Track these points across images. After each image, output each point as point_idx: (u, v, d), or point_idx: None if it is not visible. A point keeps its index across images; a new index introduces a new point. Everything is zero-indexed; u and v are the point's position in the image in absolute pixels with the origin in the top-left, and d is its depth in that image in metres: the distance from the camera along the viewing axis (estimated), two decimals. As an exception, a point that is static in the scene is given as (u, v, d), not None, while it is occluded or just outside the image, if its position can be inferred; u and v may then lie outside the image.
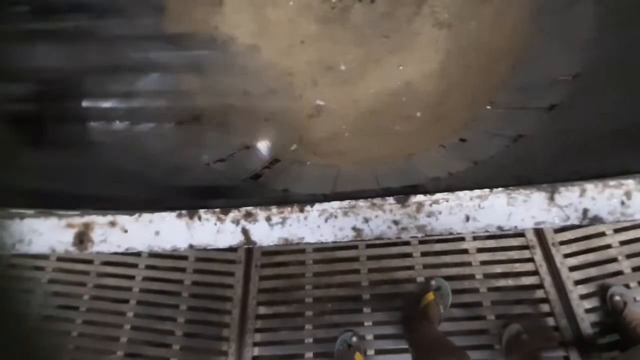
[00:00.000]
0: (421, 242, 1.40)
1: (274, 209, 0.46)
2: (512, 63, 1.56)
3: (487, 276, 1.33)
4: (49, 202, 0.54)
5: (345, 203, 0.45)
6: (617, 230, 1.33)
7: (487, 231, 0.43)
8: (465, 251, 1.37)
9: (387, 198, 0.44)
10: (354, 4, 1.76)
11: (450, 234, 0.43)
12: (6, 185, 0.63)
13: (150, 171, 1.20)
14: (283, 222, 0.46)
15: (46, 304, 1.45)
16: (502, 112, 1.52)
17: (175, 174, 1.30)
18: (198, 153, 1.45)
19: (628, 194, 0.41)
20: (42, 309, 1.45)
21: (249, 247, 1.46)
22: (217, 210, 0.46)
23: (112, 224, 0.47)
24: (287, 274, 1.41)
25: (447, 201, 0.43)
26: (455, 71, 1.63)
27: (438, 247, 1.39)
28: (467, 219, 0.43)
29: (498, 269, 1.34)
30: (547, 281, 1.30)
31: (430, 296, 1.26)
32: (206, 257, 1.46)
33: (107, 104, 1.42)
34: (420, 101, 1.63)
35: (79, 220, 0.47)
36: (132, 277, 1.44)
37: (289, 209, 0.45)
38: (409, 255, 1.39)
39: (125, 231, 0.47)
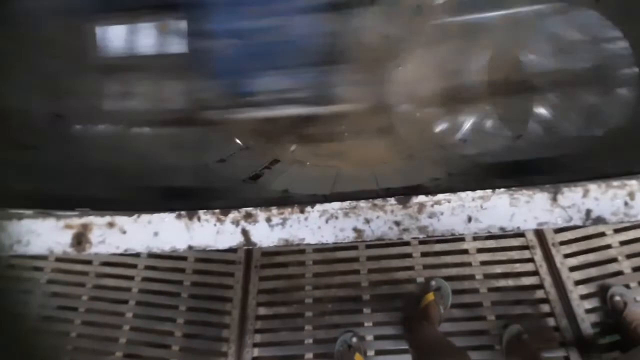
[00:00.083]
0: (421, 242, 1.40)
1: (274, 210, 0.45)
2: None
3: (487, 276, 1.33)
4: (47, 202, 0.53)
5: (346, 204, 0.44)
6: (617, 231, 1.33)
7: (489, 232, 0.43)
8: (465, 251, 1.37)
9: (389, 199, 0.44)
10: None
11: (452, 235, 0.43)
12: (3, 185, 0.62)
13: (149, 172, 1.19)
14: (283, 223, 0.46)
15: (45, 305, 1.45)
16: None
17: (174, 174, 1.29)
18: (197, 154, 1.45)
19: (631, 195, 0.41)
20: (41, 309, 1.44)
21: (248, 248, 1.45)
22: (217, 211, 0.46)
23: (111, 224, 0.46)
24: (287, 274, 1.41)
25: (449, 202, 0.43)
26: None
27: (438, 247, 1.39)
28: (469, 219, 0.43)
29: (498, 269, 1.34)
30: (547, 281, 1.30)
31: (431, 296, 1.26)
32: (206, 257, 1.46)
33: (105, 104, 1.42)
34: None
35: (77, 221, 0.47)
36: (131, 278, 1.44)
37: (289, 209, 0.45)
38: (408, 255, 1.39)
39: (124, 232, 0.46)
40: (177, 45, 1.30)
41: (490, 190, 0.42)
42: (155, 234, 0.46)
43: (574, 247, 1.33)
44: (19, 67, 1.14)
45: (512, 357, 1.20)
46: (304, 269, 1.41)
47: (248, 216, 0.46)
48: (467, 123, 1.55)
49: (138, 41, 1.33)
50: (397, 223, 0.43)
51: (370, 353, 1.27)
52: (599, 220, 0.41)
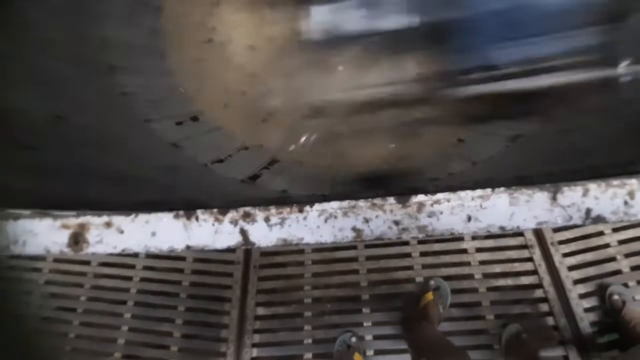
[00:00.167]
0: (420, 242, 1.39)
1: (273, 210, 0.45)
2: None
3: (486, 276, 1.33)
4: (46, 203, 0.53)
5: (345, 203, 0.44)
6: (615, 230, 1.33)
7: (488, 231, 0.42)
8: (464, 251, 1.37)
9: (388, 198, 0.43)
10: (351, 3, 1.75)
11: (452, 234, 0.43)
12: (2, 185, 0.62)
13: (147, 172, 1.19)
14: (282, 222, 0.45)
15: (43, 306, 1.44)
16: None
17: (172, 175, 1.29)
18: (195, 154, 1.44)
19: (631, 194, 0.41)
20: (40, 310, 1.43)
21: (247, 248, 1.45)
22: (215, 210, 0.46)
23: (108, 224, 0.46)
24: (286, 274, 1.41)
25: (448, 201, 0.43)
26: (453, 71, 1.63)
27: (437, 247, 1.39)
28: (469, 219, 0.43)
29: (497, 268, 1.34)
30: (546, 280, 1.30)
31: (430, 296, 1.26)
32: (204, 258, 1.45)
33: (105, 104, 1.41)
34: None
35: (74, 220, 0.46)
36: (129, 279, 1.43)
37: (288, 209, 0.45)
38: (408, 255, 1.39)
39: (122, 232, 0.46)
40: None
41: (490, 189, 0.42)
42: (153, 233, 0.46)
43: (572, 246, 1.33)
44: (19, 67, 1.14)
45: (511, 357, 1.20)
46: (303, 269, 1.41)
47: (246, 216, 0.45)
48: (465, 123, 1.55)
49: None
50: (397, 222, 0.43)
51: (370, 353, 1.27)
52: (599, 219, 0.41)
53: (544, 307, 1.28)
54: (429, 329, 1.18)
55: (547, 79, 1.25)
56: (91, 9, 1.46)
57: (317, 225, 0.45)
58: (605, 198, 0.42)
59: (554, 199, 0.42)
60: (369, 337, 1.29)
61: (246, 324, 1.34)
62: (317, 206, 0.45)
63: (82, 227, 0.46)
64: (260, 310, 1.36)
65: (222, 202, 0.65)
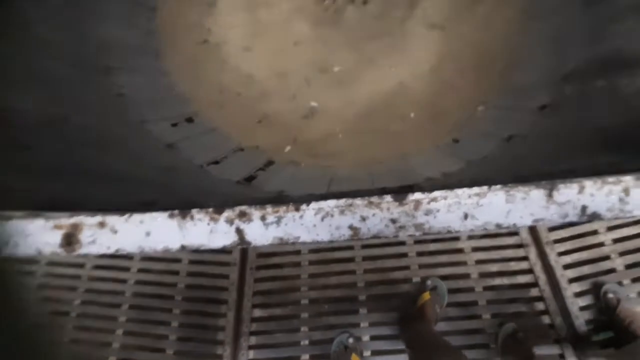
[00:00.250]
0: (417, 242, 1.40)
1: (269, 208, 0.45)
2: (503, 64, 1.58)
3: (483, 275, 1.34)
4: (43, 203, 0.52)
5: (342, 201, 0.44)
6: (610, 228, 1.34)
7: (485, 229, 0.42)
8: (460, 250, 1.38)
9: (385, 196, 0.43)
10: (346, 6, 1.76)
11: (449, 232, 0.43)
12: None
13: (142, 174, 1.18)
14: (278, 221, 0.45)
15: (36, 311, 1.42)
16: (494, 113, 1.53)
17: (168, 176, 1.28)
18: (191, 155, 1.44)
19: (626, 191, 0.41)
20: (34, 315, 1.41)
21: (243, 250, 1.44)
22: (210, 209, 0.45)
23: (102, 224, 0.45)
24: (282, 275, 1.40)
25: (445, 199, 0.43)
26: (447, 72, 1.64)
27: (433, 246, 1.39)
28: (466, 216, 0.42)
29: (493, 267, 1.34)
30: (542, 279, 1.31)
31: (427, 296, 1.26)
32: (200, 259, 1.44)
33: (100, 105, 1.40)
34: (414, 102, 1.63)
35: (66, 221, 0.45)
36: (124, 281, 1.42)
37: (284, 208, 0.44)
38: (404, 255, 1.39)
39: (115, 232, 0.45)
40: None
41: (486, 186, 0.42)
42: (147, 233, 0.45)
43: (567, 245, 1.34)
44: (16, 67, 1.13)
45: (507, 355, 1.21)
46: (299, 270, 1.40)
47: (242, 215, 0.45)
48: (459, 123, 1.56)
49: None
50: (393, 220, 0.43)
51: (367, 353, 1.27)
52: (595, 216, 0.42)
53: (540, 306, 1.28)
54: (426, 328, 1.18)
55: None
56: (87, 9, 1.46)
57: (313, 223, 0.44)
58: (601, 195, 0.42)
59: (549, 196, 0.42)
60: (366, 338, 1.29)
61: (242, 326, 1.33)
62: (314, 204, 0.44)
63: (75, 228, 0.45)
64: (257, 312, 1.36)
65: (217, 203, 0.65)
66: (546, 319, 1.26)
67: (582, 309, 1.26)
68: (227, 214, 0.45)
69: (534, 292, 1.30)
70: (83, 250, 0.45)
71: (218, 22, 1.73)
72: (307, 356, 1.29)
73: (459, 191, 0.42)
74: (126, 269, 1.43)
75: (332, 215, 0.44)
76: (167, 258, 1.44)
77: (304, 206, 0.45)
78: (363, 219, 0.43)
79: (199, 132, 1.57)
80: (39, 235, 0.45)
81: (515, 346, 1.18)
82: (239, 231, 0.45)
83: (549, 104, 1.35)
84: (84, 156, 1.08)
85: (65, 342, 1.32)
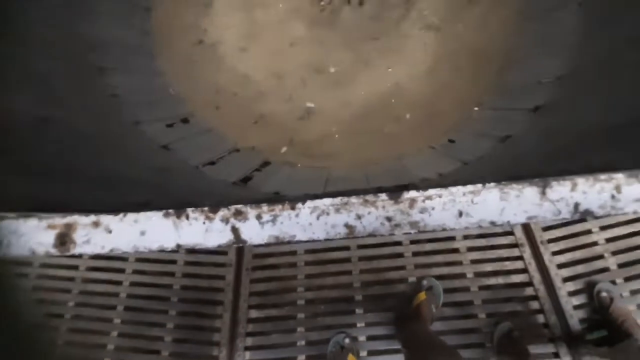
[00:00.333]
0: (412, 242, 1.40)
1: (265, 207, 0.45)
2: (499, 65, 1.59)
3: (478, 275, 1.34)
4: (33, 204, 0.52)
5: (337, 200, 0.44)
6: (602, 228, 1.36)
7: (480, 226, 0.43)
8: (456, 250, 1.38)
9: (380, 194, 0.43)
10: (343, 6, 1.77)
11: (444, 229, 0.43)
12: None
13: (137, 175, 1.17)
14: (274, 220, 0.45)
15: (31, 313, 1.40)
16: (489, 113, 1.54)
17: (163, 177, 1.27)
18: (186, 156, 1.43)
19: (618, 188, 0.42)
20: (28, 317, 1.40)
21: (239, 251, 1.44)
22: (206, 208, 0.45)
23: (96, 224, 0.45)
24: (278, 276, 1.40)
25: (440, 197, 0.43)
26: (443, 73, 1.66)
27: (429, 246, 1.39)
28: (460, 214, 0.43)
29: (488, 267, 1.35)
30: (537, 279, 1.32)
31: (422, 296, 1.26)
32: (196, 260, 1.44)
33: (94, 106, 1.39)
34: (410, 103, 1.64)
35: (60, 220, 0.45)
36: (119, 283, 1.41)
37: (280, 206, 0.45)
38: (400, 255, 1.39)
39: (110, 231, 0.45)
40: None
41: (481, 184, 0.43)
42: (142, 232, 0.45)
43: (561, 245, 1.35)
44: (8, 67, 1.12)
45: (503, 354, 1.21)
46: (295, 271, 1.40)
47: (238, 214, 0.45)
48: (455, 124, 1.57)
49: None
50: (389, 219, 0.43)
51: (363, 354, 1.27)
52: (587, 213, 0.42)
53: (535, 305, 1.29)
54: (421, 328, 1.19)
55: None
56: (82, 9, 1.45)
57: (309, 222, 0.44)
58: (593, 192, 0.42)
59: (543, 193, 0.43)
60: (362, 338, 1.29)
61: (239, 327, 1.33)
62: (309, 203, 0.45)
63: (69, 227, 0.45)
64: (253, 313, 1.35)
65: (213, 204, 0.65)
66: (541, 318, 1.27)
67: (576, 307, 1.27)
68: (223, 212, 0.45)
69: (529, 291, 1.31)
70: (77, 250, 0.45)
71: (214, 23, 1.72)
72: (303, 357, 1.28)
73: (454, 189, 0.43)
74: (121, 271, 1.42)
75: (327, 214, 0.44)
76: (162, 259, 1.43)
77: (299, 205, 0.45)
78: (358, 217, 0.44)
79: (195, 133, 1.56)
80: (33, 235, 0.45)
81: (510, 345, 1.19)
82: (234, 230, 0.45)
83: (543, 105, 1.37)
84: (77, 157, 1.07)
85: (59, 344, 1.31)
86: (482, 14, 1.66)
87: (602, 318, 1.23)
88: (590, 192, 0.42)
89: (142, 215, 0.45)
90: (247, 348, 1.30)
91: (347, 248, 1.42)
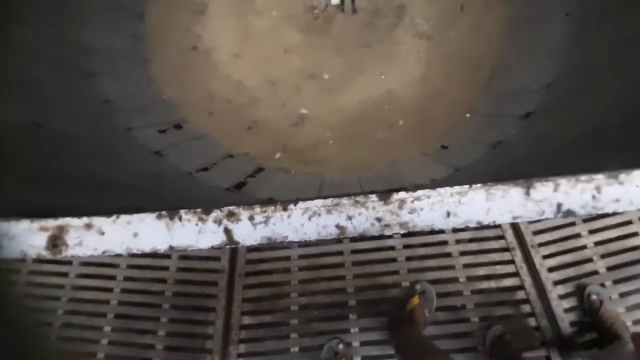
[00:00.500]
0: (405, 246, 1.41)
1: (257, 208, 0.45)
2: (489, 72, 1.63)
3: (470, 279, 1.35)
4: (19, 212, 0.51)
5: (329, 201, 0.45)
6: (591, 231, 1.38)
7: (467, 226, 0.44)
8: (448, 255, 1.39)
9: (370, 195, 0.44)
10: (336, 14, 1.79)
11: (432, 230, 0.44)
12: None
13: (129, 181, 1.17)
14: (266, 221, 0.45)
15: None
16: (481, 120, 1.57)
17: (155, 183, 1.27)
18: (179, 162, 1.43)
19: (598, 188, 0.43)
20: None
21: (232, 256, 1.43)
22: (199, 210, 0.46)
23: (88, 226, 0.45)
24: (271, 282, 1.40)
25: (428, 197, 0.44)
26: (435, 80, 1.69)
27: (422, 251, 1.40)
28: (448, 214, 0.44)
29: (480, 271, 1.36)
30: (528, 282, 1.33)
31: (416, 300, 1.27)
32: (188, 267, 1.43)
33: (85, 112, 1.39)
34: (402, 109, 1.66)
35: (52, 223, 0.45)
36: (109, 290, 1.39)
37: (272, 207, 0.45)
38: (393, 260, 1.40)
39: (102, 233, 0.45)
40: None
41: (467, 185, 0.44)
42: (135, 234, 0.45)
43: (551, 249, 1.37)
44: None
45: (495, 358, 1.22)
46: (289, 276, 1.40)
47: (230, 215, 0.45)
48: (447, 130, 1.60)
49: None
50: (379, 219, 0.44)
51: (357, 359, 1.27)
52: (569, 213, 0.43)
53: (526, 308, 1.30)
54: (415, 333, 1.19)
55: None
56: (73, 15, 1.45)
57: (301, 223, 0.45)
58: (575, 193, 0.44)
59: (527, 194, 0.44)
60: (356, 344, 1.29)
61: (231, 333, 1.32)
62: (301, 204, 0.45)
63: (61, 230, 0.45)
64: (246, 319, 1.34)
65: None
66: (532, 321, 1.28)
67: (567, 310, 1.29)
68: (216, 214, 0.46)
69: (520, 294, 1.33)
70: (70, 252, 0.45)
71: (208, 29, 1.74)
72: (296, 363, 1.28)
73: (442, 190, 0.44)
74: (112, 277, 1.40)
75: (319, 215, 0.45)
76: (154, 266, 1.42)
77: (291, 206, 0.45)
78: (349, 217, 0.44)
79: (188, 139, 1.56)
80: (24, 237, 0.45)
81: (502, 348, 1.20)
82: (227, 231, 0.46)
83: (534, 111, 1.40)
84: (69, 163, 1.06)
85: (49, 352, 1.28)
86: (473, 22, 1.70)
87: (592, 321, 1.24)
88: (572, 192, 0.44)
89: (135, 217, 0.45)
90: (240, 355, 1.29)
91: (340, 253, 1.42)
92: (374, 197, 0.44)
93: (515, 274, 1.35)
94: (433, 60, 1.71)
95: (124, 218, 0.45)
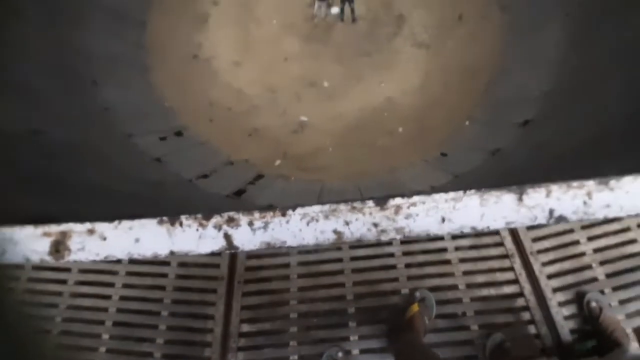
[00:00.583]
0: (405, 253, 1.41)
1: (257, 214, 0.46)
2: (488, 80, 1.65)
3: (470, 286, 1.35)
4: (19, 219, 0.52)
5: (327, 207, 0.46)
6: (590, 238, 1.38)
7: (462, 232, 0.44)
8: (448, 262, 1.39)
9: (367, 201, 0.45)
10: (336, 23, 1.82)
11: (428, 235, 0.45)
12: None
13: (130, 188, 1.18)
14: (265, 226, 0.46)
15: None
16: (480, 127, 1.58)
17: (155, 190, 1.28)
18: (179, 169, 1.44)
19: (589, 194, 0.44)
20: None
21: (231, 263, 1.43)
22: (199, 216, 0.46)
23: (91, 231, 0.46)
24: (271, 289, 1.39)
25: (423, 203, 0.45)
26: (434, 88, 1.71)
27: (421, 258, 1.40)
28: (443, 220, 0.45)
29: (480, 278, 1.36)
30: (527, 289, 1.33)
31: (415, 307, 1.26)
32: (187, 274, 1.42)
33: (86, 119, 1.40)
34: (402, 117, 1.68)
35: (55, 228, 0.46)
36: (108, 297, 1.38)
37: (271, 213, 0.46)
38: (393, 267, 1.40)
39: (104, 239, 0.46)
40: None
41: (462, 191, 0.45)
42: (137, 240, 0.46)
43: (550, 255, 1.37)
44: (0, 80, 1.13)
45: (495, 366, 1.21)
46: (288, 283, 1.39)
47: (230, 220, 0.46)
48: (447, 138, 1.61)
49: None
50: (376, 225, 0.45)
51: (356, 367, 1.26)
52: (561, 218, 0.44)
53: (526, 316, 1.30)
54: (415, 340, 1.18)
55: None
56: (76, 23, 1.47)
57: (299, 228, 0.46)
58: (567, 198, 0.45)
59: (520, 200, 0.45)
60: (355, 352, 1.28)
61: (230, 341, 1.31)
62: (300, 210, 0.46)
63: (64, 235, 0.46)
64: (245, 327, 1.33)
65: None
66: (532, 329, 1.28)
67: (567, 318, 1.28)
68: (216, 219, 0.47)
69: (520, 302, 1.32)
70: (72, 257, 0.45)
71: (209, 38, 1.76)
72: (296, 371, 1.27)
73: (437, 196, 0.45)
74: (110, 285, 1.40)
75: (317, 220, 0.46)
76: (153, 273, 1.42)
77: (290, 211, 0.46)
78: (347, 223, 0.45)
79: (188, 146, 1.57)
80: (28, 242, 0.45)
81: (502, 356, 1.19)
82: (227, 236, 0.46)
83: (532, 119, 1.41)
84: (69, 170, 1.07)
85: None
86: (471, 31, 1.73)
87: (592, 328, 1.24)
88: (564, 198, 0.44)
89: (137, 223, 0.46)
90: (238, 363, 1.28)
91: (339, 260, 1.42)
92: (370, 202, 0.45)
93: (515, 281, 1.35)
94: (432, 69, 1.73)
95: (126, 223, 0.46)
